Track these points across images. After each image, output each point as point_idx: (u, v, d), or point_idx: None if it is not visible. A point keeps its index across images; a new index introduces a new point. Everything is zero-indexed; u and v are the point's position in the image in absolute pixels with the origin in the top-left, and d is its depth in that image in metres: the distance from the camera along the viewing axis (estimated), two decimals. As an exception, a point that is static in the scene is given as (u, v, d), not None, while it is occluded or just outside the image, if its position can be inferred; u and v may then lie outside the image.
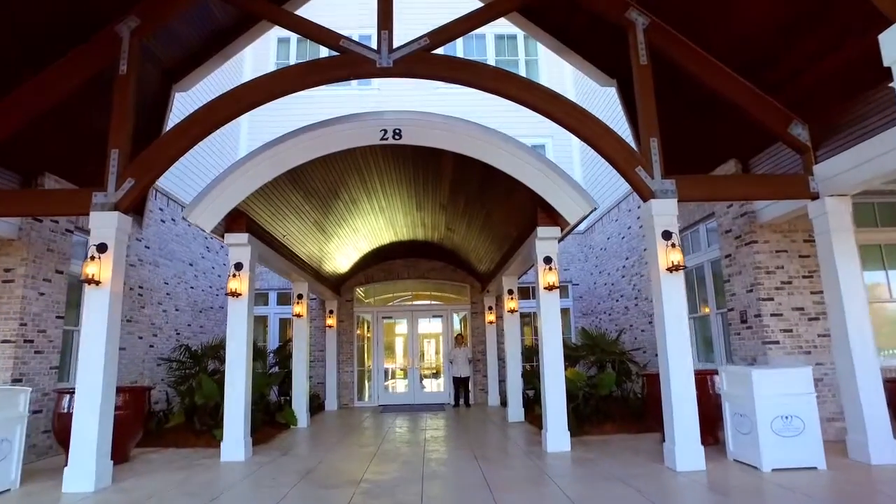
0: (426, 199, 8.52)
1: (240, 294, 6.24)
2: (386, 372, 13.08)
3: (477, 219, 8.62)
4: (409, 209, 9.09)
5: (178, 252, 10.19)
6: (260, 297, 13.23)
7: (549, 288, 6.32)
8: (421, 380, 13.03)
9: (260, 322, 13.23)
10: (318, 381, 12.57)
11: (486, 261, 10.71)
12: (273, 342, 12.84)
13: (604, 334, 9.37)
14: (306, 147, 5.96)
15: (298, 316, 9.23)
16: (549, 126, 12.64)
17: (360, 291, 13.24)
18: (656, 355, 9.79)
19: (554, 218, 6.34)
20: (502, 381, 12.40)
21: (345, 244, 10.01)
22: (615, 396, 8.38)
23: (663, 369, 5.21)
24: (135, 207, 8.37)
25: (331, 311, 12.28)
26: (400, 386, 13.24)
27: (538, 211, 6.43)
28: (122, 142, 5.31)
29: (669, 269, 5.15)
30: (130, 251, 8.44)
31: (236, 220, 6.38)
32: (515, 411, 9.12)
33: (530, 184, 5.98)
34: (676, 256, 5.13)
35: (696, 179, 5.75)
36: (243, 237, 6.38)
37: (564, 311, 13.15)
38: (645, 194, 5.44)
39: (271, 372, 10.90)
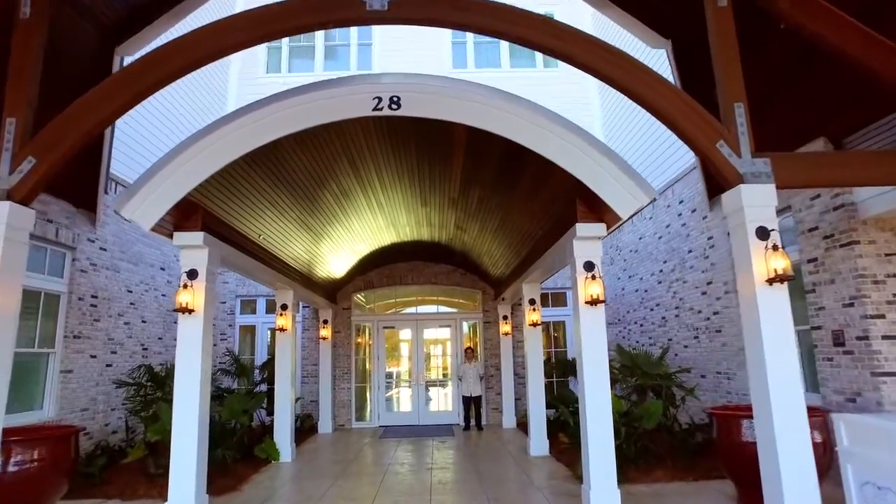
0: (432, 192, 7.12)
1: (192, 310, 4.85)
2: (388, 388, 11.68)
3: (494, 215, 7.19)
4: (412, 205, 7.69)
5: (147, 255, 8.84)
6: (247, 305, 11.89)
7: (593, 302, 4.89)
8: (427, 392, 11.63)
9: (248, 332, 11.88)
10: (311, 399, 11.20)
11: (502, 265, 9.29)
12: (261, 355, 11.46)
13: (646, 354, 7.89)
14: (276, 120, 4.54)
15: (282, 330, 7.83)
16: (563, 100, 11.31)
17: (358, 298, 11.85)
18: (704, 377, 8.35)
19: (598, 212, 4.90)
20: (518, 399, 11.00)
21: (338, 246, 8.62)
22: (660, 428, 6.94)
23: (762, 415, 3.75)
24: (85, 203, 7.07)
25: (325, 321, 10.89)
26: (404, 403, 11.84)
27: (577, 203, 4.99)
28: (20, 109, 3.93)
29: (771, 280, 3.70)
30: (80, 255, 7.09)
31: (189, 215, 4.99)
32: (538, 443, 7.67)
33: (569, 166, 4.53)
34: (780, 262, 3.68)
35: (798, 159, 4.30)
36: (197, 236, 4.99)
37: (588, 321, 11.71)
38: (730, 178, 3.98)
39: (256, 391, 9.55)
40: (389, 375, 11.86)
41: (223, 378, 10.34)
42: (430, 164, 6.15)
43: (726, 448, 4.86)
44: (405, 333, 11.94)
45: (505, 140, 4.63)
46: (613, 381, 7.90)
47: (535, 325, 7.95)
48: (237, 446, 7.13)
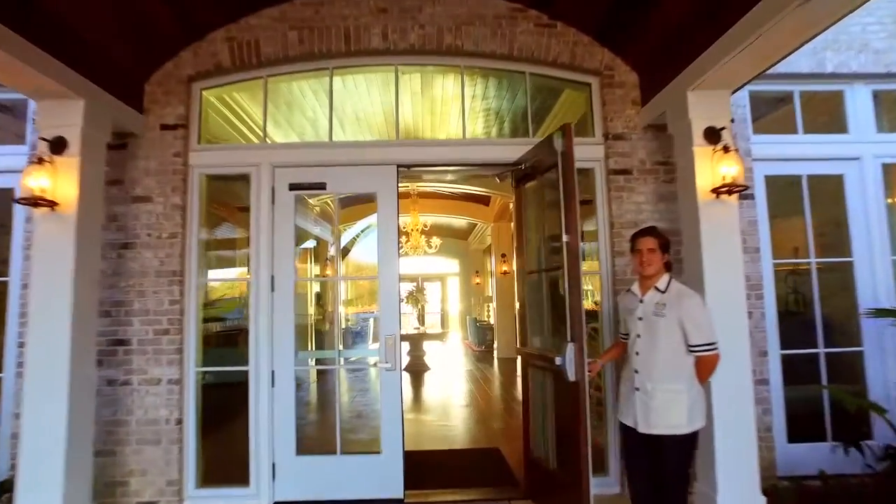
0: None
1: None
2: (306, 375, 3.86)
3: None
4: None
5: None
6: None
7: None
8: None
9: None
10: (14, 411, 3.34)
11: None
12: (17, 266, 3.54)
13: None
14: None
15: None
16: None
17: (216, 98, 3.86)
18: None
19: None
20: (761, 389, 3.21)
21: None
22: None
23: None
24: None
25: (57, 144, 2.92)
26: (367, 424, 4.14)
27: None
28: None
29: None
30: None
31: None
32: None
33: None
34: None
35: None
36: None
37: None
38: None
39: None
40: (320, 337, 4.09)
41: None
42: None
43: None
44: (369, 220, 4.05)
45: None
46: None
47: None
48: None
